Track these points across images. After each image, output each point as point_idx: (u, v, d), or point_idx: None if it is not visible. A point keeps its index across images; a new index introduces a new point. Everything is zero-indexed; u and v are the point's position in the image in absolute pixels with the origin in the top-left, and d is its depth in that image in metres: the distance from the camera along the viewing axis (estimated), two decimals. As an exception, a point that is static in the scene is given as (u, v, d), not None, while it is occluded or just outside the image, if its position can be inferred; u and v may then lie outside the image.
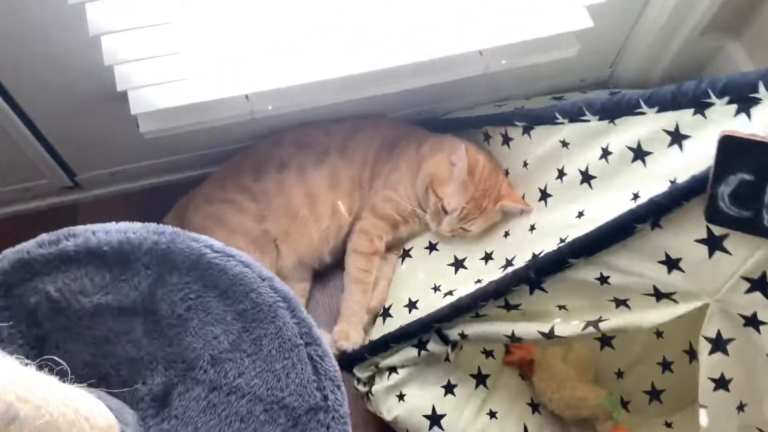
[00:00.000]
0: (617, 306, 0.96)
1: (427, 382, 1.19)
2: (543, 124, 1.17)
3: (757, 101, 0.77)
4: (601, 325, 0.95)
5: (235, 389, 0.73)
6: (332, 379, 0.75)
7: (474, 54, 1.17)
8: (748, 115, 0.78)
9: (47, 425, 0.52)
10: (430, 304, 1.23)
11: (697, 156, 0.84)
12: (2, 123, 1.10)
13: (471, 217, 1.24)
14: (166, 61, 0.99)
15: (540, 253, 1.00)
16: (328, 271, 1.37)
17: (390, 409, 1.20)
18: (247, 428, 0.73)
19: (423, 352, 1.15)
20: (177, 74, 1.00)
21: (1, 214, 1.34)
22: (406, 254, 1.34)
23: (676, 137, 0.88)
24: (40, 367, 0.57)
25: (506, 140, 1.29)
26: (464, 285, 1.20)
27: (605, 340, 1.28)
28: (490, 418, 1.19)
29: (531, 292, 1.00)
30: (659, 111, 0.91)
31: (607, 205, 1.01)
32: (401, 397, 1.19)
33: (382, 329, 1.26)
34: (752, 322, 0.81)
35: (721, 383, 0.87)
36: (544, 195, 1.18)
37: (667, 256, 0.85)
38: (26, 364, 0.56)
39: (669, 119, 0.89)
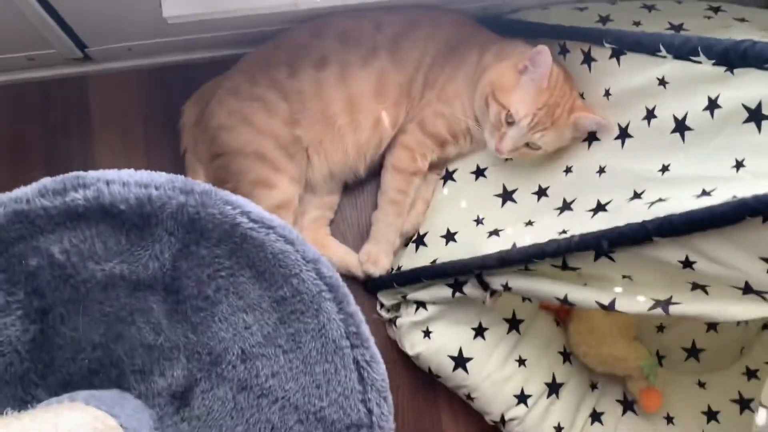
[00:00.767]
0: (693, 289, 0.84)
1: (457, 322, 1.12)
2: (639, 52, 0.98)
3: None
4: (672, 308, 0.84)
5: (267, 392, 0.63)
6: (379, 390, 0.65)
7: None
8: None
9: None
10: (471, 239, 1.12)
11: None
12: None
13: (542, 126, 1.04)
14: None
15: (607, 202, 0.88)
16: (360, 185, 1.24)
17: (414, 345, 1.13)
18: (277, 440, 0.63)
19: (458, 293, 1.06)
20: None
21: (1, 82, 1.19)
22: (449, 176, 1.20)
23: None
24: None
25: (588, 59, 1.08)
26: (512, 225, 1.07)
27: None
28: (519, 365, 1.13)
29: (596, 259, 0.88)
30: (800, 74, 0.74)
31: (698, 166, 0.87)
32: (427, 333, 1.12)
33: (414, 258, 1.16)
34: None
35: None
36: (624, 135, 1.01)
37: (773, 253, 0.72)
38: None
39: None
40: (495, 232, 1.07)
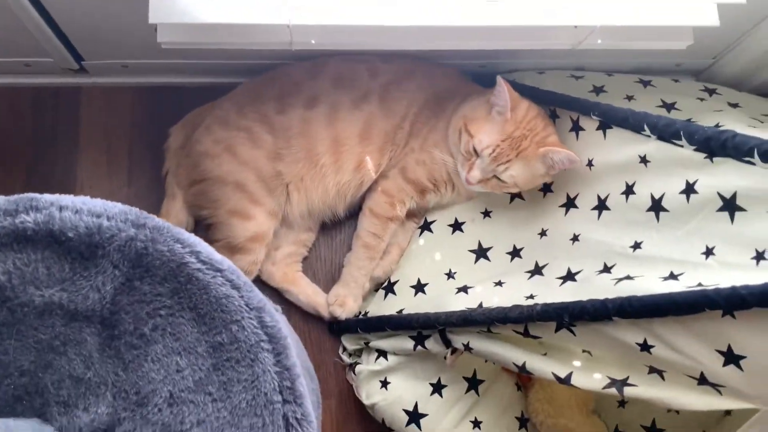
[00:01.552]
0: (650, 372, 0.83)
1: (416, 376, 1.10)
2: (625, 128, 0.99)
3: None
4: (627, 389, 0.83)
5: (190, 440, 0.61)
6: (308, 452, 0.63)
7: (567, 27, 0.96)
8: None
9: None
10: (439, 292, 1.11)
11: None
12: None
13: (504, 158, 1.03)
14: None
15: (578, 272, 0.88)
16: (339, 225, 1.24)
17: (370, 394, 1.12)
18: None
19: (420, 347, 1.05)
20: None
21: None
22: (426, 227, 1.20)
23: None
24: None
25: (576, 128, 1.09)
26: (483, 283, 1.07)
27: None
28: (474, 427, 1.11)
29: (557, 330, 0.87)
30: (775, 171, 0.74)
31: (670, 247, 0.87)
32: (385, 384, 1.10)
33: (381, 305, 1.15)
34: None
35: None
36: (601, 206, 1.01)
37: (729, 348, 0.72)
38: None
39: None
40: (464, 289, 1.07)
